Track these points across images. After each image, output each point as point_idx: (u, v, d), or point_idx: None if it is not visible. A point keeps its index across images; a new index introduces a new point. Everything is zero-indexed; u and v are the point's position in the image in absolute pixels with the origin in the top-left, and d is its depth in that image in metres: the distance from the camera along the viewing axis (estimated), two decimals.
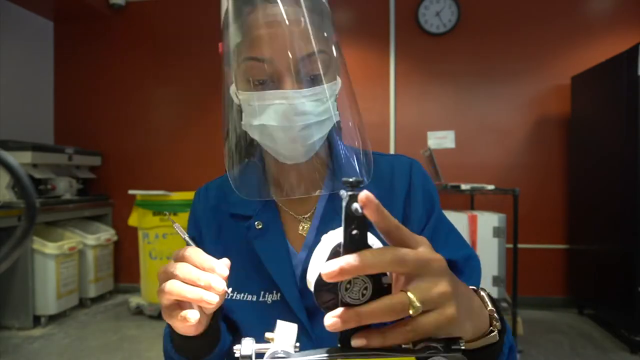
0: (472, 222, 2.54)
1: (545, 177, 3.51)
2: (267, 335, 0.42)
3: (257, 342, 0.41)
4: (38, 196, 3.22)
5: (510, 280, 2.62)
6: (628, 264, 2.65)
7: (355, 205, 0.34)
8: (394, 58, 3.68)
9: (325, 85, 0.60)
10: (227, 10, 0.61)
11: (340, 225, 0.36)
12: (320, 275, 0.35)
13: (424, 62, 3.65)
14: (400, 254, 0.35)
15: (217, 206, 0.74)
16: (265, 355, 0.39)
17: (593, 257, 3.10)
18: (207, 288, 0.47)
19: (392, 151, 3.63)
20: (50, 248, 3.06)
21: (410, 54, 3.66)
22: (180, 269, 0.48)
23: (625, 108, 2.66)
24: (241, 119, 0.64)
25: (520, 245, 2.73)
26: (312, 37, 0.58)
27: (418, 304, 0.34)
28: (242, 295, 0.67)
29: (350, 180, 0.35)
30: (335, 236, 0.40)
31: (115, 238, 3.80)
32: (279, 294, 0.65)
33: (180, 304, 0.50)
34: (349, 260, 0.33)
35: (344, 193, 0.35)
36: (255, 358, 0.40)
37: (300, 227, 0.70)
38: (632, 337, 2.58)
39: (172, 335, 0.59)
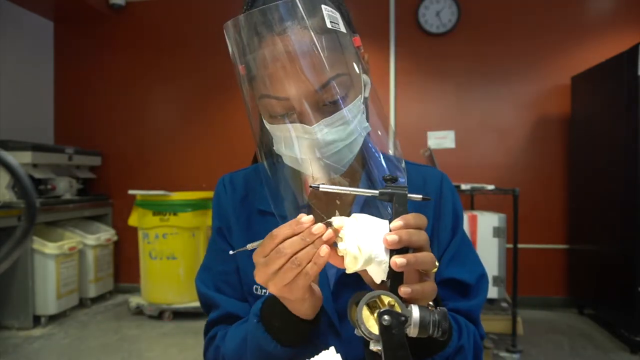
0: (472, 222, 2.54)
1: (545, 177, 3.51)
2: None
3: None
4: (38, 196, 3.23)
5: (510, 280, 2.62)
6: (628, 264, 2.65)
7: (412, 195, 0.51)
8: (394, 58, 3.68)
9: (347, 108, 0.58)
10: (236, 46, 0.59)
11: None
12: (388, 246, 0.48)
13: (424, 62, 3.65)
14: (434, 260, 0.50)
15: (245, 198, 0.73)
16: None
17: (593, 257, 3.10)
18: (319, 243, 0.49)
19: (391, 151, 3.63)
20: (50, 248, 3.06)
21: (410, 54, 3.66)
22: (280, 233, 0.50)
23: (625, 108, 2.66)
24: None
25: (520, 245, 2.73)
26: (325, 64, 0.55)
27: (437, 264, 0.51)
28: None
29: (388, 177, 0.51)
30: (383, 228, 0.49)
31: (115, 238, 3.80)
32: None
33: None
34: (418, 257, 0.48)
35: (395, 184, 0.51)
36: None
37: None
38: (632, 337, 2.58)
39: (277, 333, 0.59)
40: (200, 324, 3.17)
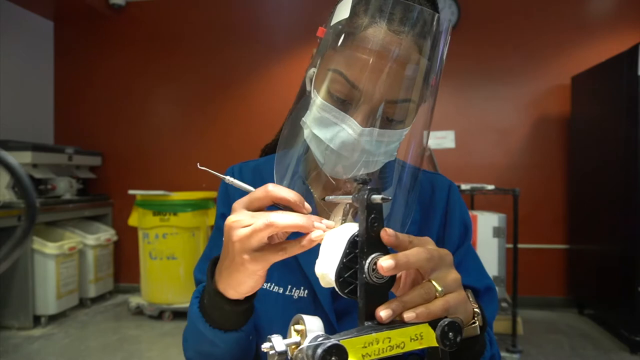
0: (472, 222, 2.54)
1: (545, 177, 3.51)
2: (297, 327, 0.42)
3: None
4: (38, 196, 3.23)
5: (510, 280, 2.62)
6: (628, 264, 2.65)
7: (376, 196, 0.43)
8: None
9: (398, 131, 0.57)
10: (351, 6, 0.55)
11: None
12: (340, 267, 0.43)
13: None
14: (430, 254, 0.44)
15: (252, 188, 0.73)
16: (306, 342, 0.39)
17: (593, 257, 3.10)
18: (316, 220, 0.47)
19: None
20: (50, 248, 3.06)
21: None
22: (276, 213, 0.47)
23: (625, 108, 2.66)
24: (305, 108, 0.61)
25: (520, 245, 2.73)
26: (412, 85, 0.54)
27: (440, 289, 0.44)
28: (269, 285, 0.67)
29: (360, 179, 0.45)
30: (339, 233, 0.46)
31: (115, 238, 3.80)
32: (306, 291, 0.66)
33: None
34: (401, 257, 0.42)
35: (364, 187, 0.44)
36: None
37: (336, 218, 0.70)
38: (632, 337, 2.58)
39: (205, 308, 0.57)
40: None
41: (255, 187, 0.65)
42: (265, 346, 0.41)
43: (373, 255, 0.43)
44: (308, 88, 0.62)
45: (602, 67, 2.95)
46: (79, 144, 3.91)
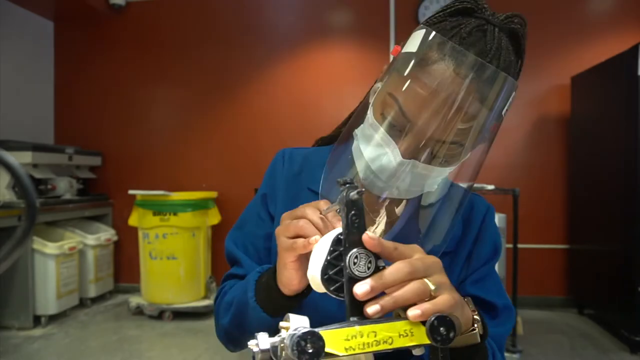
0: None
1: (545, 177, 3.51)
2: (282, 324, 0.43)
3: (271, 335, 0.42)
4: (38, 196, 3.22)
5: (510, 280, 2.62)
6: (628, 264, 2.65)
7: (353, 193, 0.44)
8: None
9: (439, 169, 0.57)
10: (427, 41, 0.54)
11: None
12: (325, 265, 0.45)
13: None
14: (412, 268, 0.44)
15: (299, 175, 0.73)
16: (289, 332, 0.39)
17: (593, 257, 3.10)
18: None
19: None
20: (51, 248, 3.06)
21: None
22: (311, 211, 0.51)
23: (625, 108, 2.66)
24: (362, 119, 0.62)
25: (520, 245, 2.73)
26: (466, 132, 0.54)
27: (433, 287, 0.44)
28: None
29: (341, 180, 0.46)
30: (327, 235, 0.48)
31: (115, 238, 3.80)
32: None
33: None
34: (376, 281, 0.42)
35: (344, 187, 0.46)
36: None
37: (371, 228, 0.71)
38: (632, 337, 2.58)
39: (258, 287, 0.59)
40: (201, 324, 3.18)
41: (303, 175, 0.72)
42: (251, 343, 0.41)
43: (353, 250, 0.44)
44: (370, 101, 0.62)
45: (602, 67, 2.95)
46: (79, 144, 3.91)
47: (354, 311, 0.43)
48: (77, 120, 4.15)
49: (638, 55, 2.55)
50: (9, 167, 0.26)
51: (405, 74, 0.55)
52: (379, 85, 0.62)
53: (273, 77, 3.85)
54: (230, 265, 0.75)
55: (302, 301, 0.57)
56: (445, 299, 0.44)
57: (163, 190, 3.31)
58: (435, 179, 0.60)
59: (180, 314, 3.29)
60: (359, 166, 0.60)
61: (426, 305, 0.42)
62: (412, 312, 0.42)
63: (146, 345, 2.80)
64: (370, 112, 0.60)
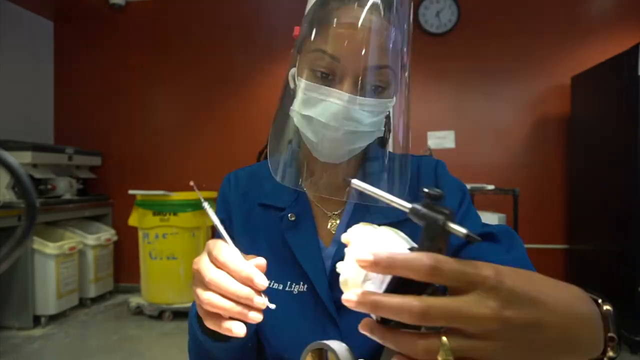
0: None
1: (545, 177, 3.51)
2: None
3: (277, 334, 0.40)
4: (38, 196, 3.22)
5: None
6: (628, 264, 2.65)
7: (457, 230, 0.32)
8: None
9: (382, 100, 0.61)
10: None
11: (367, 221, 0.40)
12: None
13: (424, 62, 3.64)
14: (438, 264, 0.31)
15: (246, 193, 0.75)
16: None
17: (593, 257, 3.10)
18: (249, 304, 0.45)
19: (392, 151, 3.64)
20: (51, 248, 3.06)
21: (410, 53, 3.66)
22: (217, 280, 0.45)
23: (625, 108, 2.66)
24: (291, 104, 0.65)
25: None
26: (387, 51, 0.59)
27: (450, 358, 0.30)
28: (269, 282, 0.68)
29: (429, 192, 0.34)
30: (362, 231, 0.39)
31: (115, 238, 3.80)
32: (305, 286, 0.67)
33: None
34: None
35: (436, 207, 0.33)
36: None
37: (330, 224, 0.72)
38: (632, 337, 2.58)
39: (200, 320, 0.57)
40: None
41: (251, 193, 0.72)
42: None
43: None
44: (292, 85, 0.66)
45: (602, 67, 2.95)
46: (79, 144, 3.91)
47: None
48: (77, 120, 4.15)
49: (638, 55, 2.55)
50: (9, 167, 0.26)
51: (319, 27, 0.60)
52: (294, 68, 0.66)
53: (273, 76, 3.85)
54: None
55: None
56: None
57: (163, 190, 3.31)
58: (381, 116, 0.62)
59: (180, 314, 3.29)
60: (309, 133, 0.62)
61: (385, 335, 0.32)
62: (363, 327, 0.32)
63: (146, 345, 2.80)
64: (299, 81, 0.62)
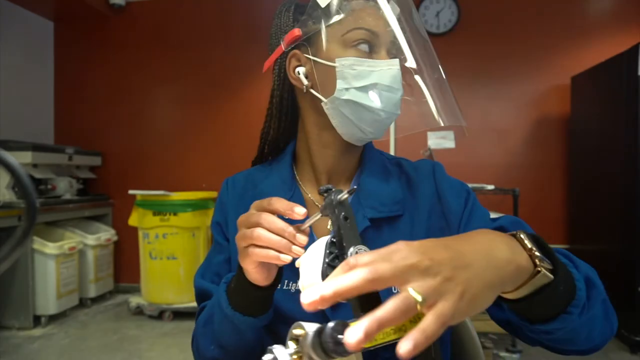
0: None
1: (545, 177, 3.51)
2: (295, 332, 0.41)
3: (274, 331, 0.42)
4: (38, 196, 3.23)
5: None
6: (628, 264, 2.65)
7: (343, 194, 0.46)
8: None
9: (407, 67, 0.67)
10: None
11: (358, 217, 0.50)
12: (325, 267, 0.45)
13: None
14: (374, 272, 0.34)
15: (243, 195, 0.77)
16: (312, 331, 0.37)
17: (593, 257, 3.10)
18: (292, 239, 0.51)
19: (392, 151, 3.63)
20: (50, 248, 3.06)
21: None
22: (266, 218, 0.52)
23: (625, 108, 2.66)
24: (298, 101, 0.73)
25: None
26: (418, 34, 0.68)
27: (420, 298, 0.33)
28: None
29: (323, 188, 0.49)
30: (313, 246, 0.49)
31: (115, 238, 3.80)
32: None
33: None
34: (328, 288, 0.34)
35: (329, 193, 0.47)
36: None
37: (328, 222, 0.72)
38: (632, 337, 2.58)
39: (230, 294, 0.61)
40: None
41: (247, 194, 0.76)
42: (266, 358, 0.38)
43: (351, 249, 0.44)
44: (304, 83, 0.69)
45: (602, 67, 2.95)
46: (79, 144, 3.91)
47: (364, 308, 0.41)
48: (77, 120, 4.15)
49: (638, 56, 2.55)
50: (9, 167, 0.26)
51: (346, 12, 0.65)
52: (302, 69, 0.71)
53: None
54: (199, 302, 0.75)
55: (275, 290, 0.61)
56: (431, 320, 0.32)
57: (163, 190, 3.31)
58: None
59: (180, 314, 3.29)
60: (367, 102, 0.65)
61: (416, 335, 0.32)
62: (404, 348, 0.31)
63: (146, 345, 2.80)
64: (343, 61, 0.65)
